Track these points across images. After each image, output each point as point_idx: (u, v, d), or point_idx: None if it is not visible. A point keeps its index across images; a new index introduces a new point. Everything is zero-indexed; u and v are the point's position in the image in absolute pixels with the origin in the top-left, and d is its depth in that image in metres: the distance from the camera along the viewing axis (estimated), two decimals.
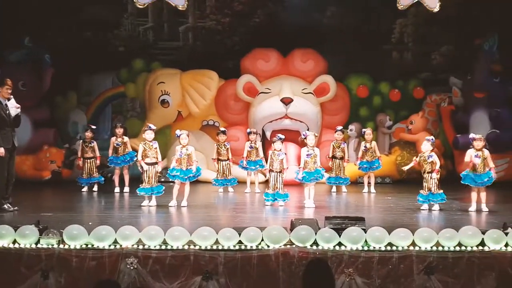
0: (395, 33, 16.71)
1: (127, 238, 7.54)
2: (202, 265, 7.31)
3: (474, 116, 14.57)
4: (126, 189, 12.83)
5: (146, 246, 7.48)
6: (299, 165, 11.37)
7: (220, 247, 7.48)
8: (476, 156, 10.37)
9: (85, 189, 12.94)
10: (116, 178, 13.05)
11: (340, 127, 13.41)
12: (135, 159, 12.58)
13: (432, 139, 11.06)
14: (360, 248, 7.49)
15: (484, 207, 10.53)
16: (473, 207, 10.56)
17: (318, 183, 11.44)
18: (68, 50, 15.51)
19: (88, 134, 13.14)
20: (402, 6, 10.57)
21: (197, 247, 7.46)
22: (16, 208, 10.20)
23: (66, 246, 7.47)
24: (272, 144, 11.39)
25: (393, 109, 15.86)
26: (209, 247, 7.48)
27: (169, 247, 7.49)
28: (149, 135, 11.15)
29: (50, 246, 7.48)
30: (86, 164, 12.97)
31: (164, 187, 11.16)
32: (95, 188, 13.03)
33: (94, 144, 13.08)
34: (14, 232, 7.61)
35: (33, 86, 14.71)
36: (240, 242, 7.54)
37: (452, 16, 14.97)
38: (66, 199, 12.20)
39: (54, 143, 14.95)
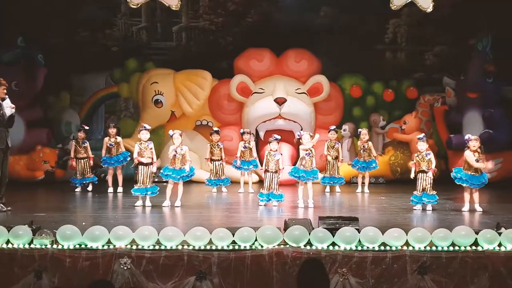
0: (389, 33, 16.71)
1: (120, 238, 7.53)
2: (195, 265, 7.30)
3: (467, 116, 14.56)
4: (120, 189, 12.83)
5: (139, 246, 7.47)
6: (292, 165, 11.35)
7: (213, 247, 7.48)
8: (477, 160, 10.31)
9: (78, 189, 12.92)
10: (109, 178, 13.04)
11: (333, 127, 13.39)
12: (128, 159, 12.60)
13: (423, 135, 11.17)
14: (354, 248, 7.49)
15: (478, 207, 10.54)
16: (466, 207, 10.58)
17: (312, 183, 11.43)
18: (61, 50, 15.50)
19: (81, 134, 13.13)
20: (395, 6, 10.55)
21: (190, 247, 7.45)
22: (9, 208, 10.20)
23: (60, 246, 7.46)
24: (268, 144, 11.36)
25: (386, 109, 15.89)
26: (202, 247, 7.47)
27: (162, 247, 7.48)
28: (144, 135, 11.13)
29: (43, 247, 7.47)
30: (79, 164, 12.96)
31: (158, 188, 11.15)
32: (90, 187, 13.03)
33: (87, 144, 13.07)
34: (8, 232, 7.59)
35: (26, 86, 14.61)
36: (233, 242, 7.53)
37: (445, 16, 14.96)
38: (59, 199, 12.18)
39: (47, 143, 14.87)
